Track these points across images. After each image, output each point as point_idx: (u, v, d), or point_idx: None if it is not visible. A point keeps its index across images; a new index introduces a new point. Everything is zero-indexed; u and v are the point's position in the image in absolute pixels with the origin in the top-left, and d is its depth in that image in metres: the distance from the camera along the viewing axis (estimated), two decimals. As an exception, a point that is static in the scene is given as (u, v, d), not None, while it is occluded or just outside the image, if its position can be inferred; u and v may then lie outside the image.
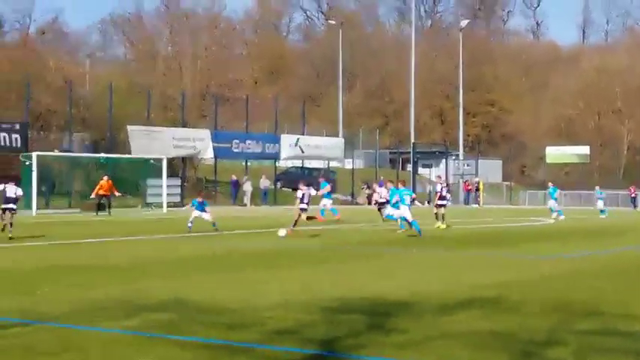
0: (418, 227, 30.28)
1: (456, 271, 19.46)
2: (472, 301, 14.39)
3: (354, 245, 26.86)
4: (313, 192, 32.54)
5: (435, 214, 36.69)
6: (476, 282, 17.02)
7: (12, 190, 28.85)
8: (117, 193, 46.64)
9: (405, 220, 31.14)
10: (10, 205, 28.37)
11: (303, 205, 30.42)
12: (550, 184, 49.89)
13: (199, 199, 31.88)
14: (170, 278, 17.50)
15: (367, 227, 36.76)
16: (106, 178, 46.85)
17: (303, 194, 30.67)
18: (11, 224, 27.95)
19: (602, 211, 51.30)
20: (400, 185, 32.74)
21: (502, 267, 20.55)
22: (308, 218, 30.81)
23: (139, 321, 12.24)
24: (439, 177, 40.45)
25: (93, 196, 46.57)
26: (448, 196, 39.36)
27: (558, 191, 50.28)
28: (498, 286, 16.25)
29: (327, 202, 40.64)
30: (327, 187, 40.55)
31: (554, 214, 46.26)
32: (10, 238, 27.05)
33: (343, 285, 16.47)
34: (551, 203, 48.13)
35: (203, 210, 31.41)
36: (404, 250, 24.74)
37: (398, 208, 31.20)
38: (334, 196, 69.06)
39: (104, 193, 46.12)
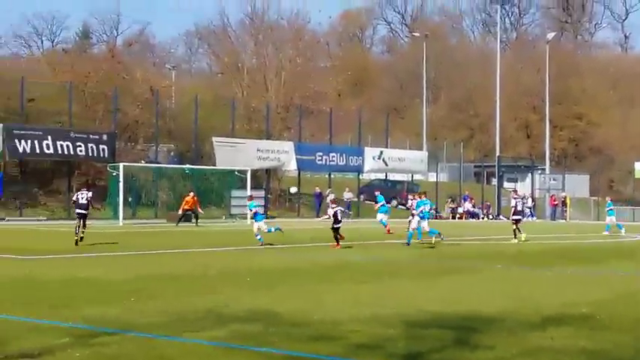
0: (410, 238, 31.74)
1: (543, 287, 19.09)
2: (561, 318, 14.07)
3: (437, 259, 26.55)
4: (342, 208, 32.26)
5: (514, 230, 36.04)
6: (565, 299, 16.65)
7: (84, 196, 29.67)
8: (200, 211, 46.89)
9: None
10: (83, 211, 29.19)
11: (337, 225, 29.94)
12: (608, 198, 48.84)
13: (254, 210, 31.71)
14: (255, 289, 17.47)
15: (451, 242, 36.36)
16: (192, 194, 47.25)
17: (335, 212, 30.25)
18: (84, 226, 29.02)
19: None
20: (421, 197, 33.28)
21: (591, 284, 20.12)
22: (335, 234, 30.05)
23: (224, 332, 12.21)
24: (515, 191, 39.88)
25: (180, 212, 46.97)
26: (527, 210, 38.96)
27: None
28: (588, 304, 15.86)
29: (382, 217, 40.54)
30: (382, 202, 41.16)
31: (622, 230, 45.04)
32: (81, 239, 28.42)
33: (427, 299, 16.26)
34: (611, 219, 46.47)
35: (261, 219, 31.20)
36: (488, 266, 24.38)
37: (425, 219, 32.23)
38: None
39: (189, 208, 46.49)
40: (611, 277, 21.91)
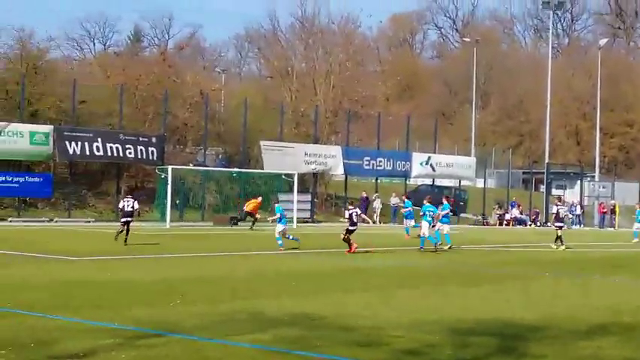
0: (422, 243, 31.69)
1: (591, 295, 18.95)
2: (608, 327, 13.95)
3: (483, 266, 26.41)
4: (358, 211, 31.54)
5: (558, 237, 35.59)
6: (612, 307, 16.51)
7: (129, 203, 30.62)
8: (257, 216, 46.50)
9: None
10: (128, 219, 30.20)
11: (353, 227, 29.65)
12: (637, 206, 48.07)
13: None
14: (298, 294, 17.51)
15: (498, 248, 36.13)
16: (260, 198, 47.14)
17: (351, 214, 30.00)
18: (127, 233, 29.83)
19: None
20: (426, 202, 33.43)
21: (638, 293, 19.89)
22: (345, 240, 29.42)
23: (267, 335, 12.26)
24: (559, 198, 39.54)
25: (240, 212, 46.85)
26: (571, 218, 38.67)
27: None
28: (635, 313, 15.70)
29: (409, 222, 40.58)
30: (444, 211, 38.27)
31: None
32: (126, 244, 29.09)
33: (472, 306, 16.19)
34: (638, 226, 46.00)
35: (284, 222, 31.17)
36: (534, 273, 24.20)
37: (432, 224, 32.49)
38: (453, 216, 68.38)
39: (250, 211, 46.17)
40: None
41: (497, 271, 24.73)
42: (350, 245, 29.19)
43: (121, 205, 31.31)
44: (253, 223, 45.48)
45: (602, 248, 38.76)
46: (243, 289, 17.95)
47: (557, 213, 36.15)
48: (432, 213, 32.60)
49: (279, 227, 30.61)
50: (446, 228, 34.21)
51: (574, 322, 14.43)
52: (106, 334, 11.97)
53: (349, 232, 29.51)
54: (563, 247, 34.93)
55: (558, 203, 37.48)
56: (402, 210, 42.34)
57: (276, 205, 32.67)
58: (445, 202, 36.05)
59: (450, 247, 33.01)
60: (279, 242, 30.14)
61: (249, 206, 46.63)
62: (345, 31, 73.26)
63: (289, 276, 21.08)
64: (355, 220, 29.92)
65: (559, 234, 35.55)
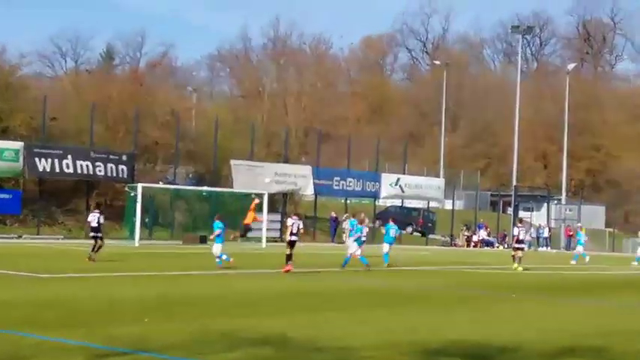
0: (346, 261, 31.59)
1: (557, 317, 19.17)
2: (574, 350, 14.17)
3: (451, 287, 26.62)
4: (302, 225, 30.31)
5: (512, 256, 36.83)
6: (578, 330, 16.75)
7: (95, 218, 30.98)
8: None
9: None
10: (93, 233, 30.72)
11: (293, 237, 28.51)
12: (579, 227, 50.26)
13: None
14: (270, 313, 17.61)
15: (467, 269, 36.41)
16: (256, 200, 46.47)
17: (293, 223, 28.93)
18: (98, 249, 30.14)
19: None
20: (390, 222, 34.62)
21: (604, 315, 20.18)
22: (289, 256, 28.21)
23: (239, 354, 12.39)
24: (519, 220, 40.40)
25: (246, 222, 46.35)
26: (529, 239, 39.59)
27: None
28: (600, 335, 15.95)
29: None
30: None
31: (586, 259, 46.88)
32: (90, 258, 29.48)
33: (441, 327, 16.36)
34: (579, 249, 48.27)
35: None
36: (504, 294, 24.45)
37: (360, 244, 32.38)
38: (432, 236, 68.75)
39: (249, 222, 45.39)
40: (623, 309, 21.96)
41: (466, 292, 24.96)
42: (287, 261, 28.09)
43: (89, 219, 31.82)
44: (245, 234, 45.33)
45: (569, 271, 39.11)
46: (214, 308, 18.04)
47: (518, 235, 37.01)
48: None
49: (217, 246, 29.88)
50: (386, 247, 35.46)
51: (543, 344, 14.64)
52: (79, 352, 12.04)
53: (290, 243, 28.38)
54: (520, 269, 35.56)
55: (519, 225, 38.28)
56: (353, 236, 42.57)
57: (217, 221, 31.36)
58: (391, 222, 37.44)
59: (387, 265, 34.04)
60: (219, 260, 29.62)
61: (249, 219, 45.94)
62: (317, 53, 73.81)
63: (260, 295, 21.19)
64: (296, 231, 28.79)
65: (519, 255, 36.34)
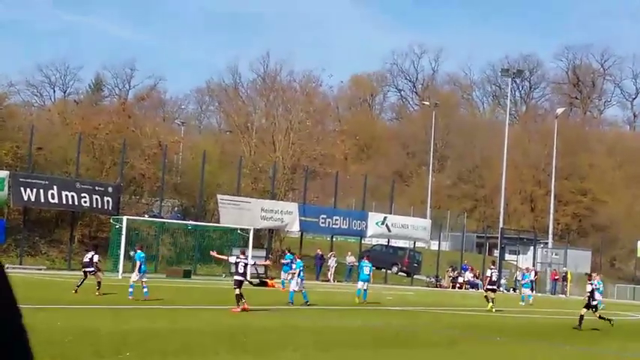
0: (291, 297, 31.40)
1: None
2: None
3: (436, 328, 26.41)
4: (252, 261, 29.35)
5: (485, 296, 37.85)
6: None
7: (89, 255, 32.37)
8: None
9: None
10: (85, 269, 31.89)
11: (238, 277, 27.39)
12: (525, 269, 51.62)
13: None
14: (254, 352, 17.38)
15: (452, 311, 36.23)
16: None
17: (237, 263, 27.97)
18: (98, 284, 30.80)
19: None
20: (365, 259, 35.07)
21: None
22: (238, 296, 26.94)
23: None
24: (492, 262, 41.20)
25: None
26: (503, 281, 40.42)
27: None
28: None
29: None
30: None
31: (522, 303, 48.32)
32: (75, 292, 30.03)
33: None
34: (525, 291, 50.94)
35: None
36: (488, 337, 24.26)
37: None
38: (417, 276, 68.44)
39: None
40: (606, 356, 21.79)
41: (449, 333, 24.75)
42: (238, 302, 26.89)
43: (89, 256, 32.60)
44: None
45: (554, 315, 38.98)
46: (194, 343, 17.81)
47: (490, 276, 38.09)
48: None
49: (135, 276, 29.76)
50: (360, 284, 36.94)
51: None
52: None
53: (238, 283, 27.16)
54: (490, 308, 36.40)
55: (492, 267, 39.10)
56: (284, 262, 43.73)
57: (138, 251, 30.97)
58: (365, 260, 38.18)
59: (363, 302, 35.47)
60: (131, 291, 29.45)
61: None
62: (306, 90, 73.77)
63: (245, 331, 20.95)
64: (241, 270, 27.58)
65: (492, 296, 37.25)
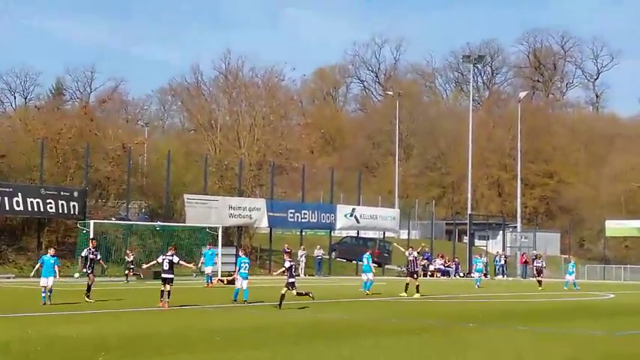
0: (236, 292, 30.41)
1: (518, 346, 18.98)
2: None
3: (408, 317, 26.37)
4: (176, 259, 28.34)
5: (407, 284, 37.37)
6: (534, 358, 16.56)
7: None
8: None
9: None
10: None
11: (167, 276, 27.55)
12: (572, 259, 52.28)
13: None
14: (227, 349, 17.26)
15: (425, 300, 36.23)
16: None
17: (163, 260, 28.02)
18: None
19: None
20: (241, 253, 32.66)
21: (560, 342, 20.01)
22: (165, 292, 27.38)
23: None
24: (411, 248, 39.46)
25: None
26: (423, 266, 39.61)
27: None
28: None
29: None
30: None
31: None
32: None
33: (399, 358, 16.09)
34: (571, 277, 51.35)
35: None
36: (462, 323, 24.25)
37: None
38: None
39: None
40: (581, 336, 21.84)
41: (422, 322, 24.72)
42: (162, 296, 27.41)
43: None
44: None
45: (524, 299, 39.09)
46: (167, 345, 17.65)
47: (413, 260, 37.55)
48: (246, 265, 30.94)
49: (44, 280, 27.88)
50: (365, 276, 38.36)
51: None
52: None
53: (165, 281, 27.41)
54: (404, 294, 36.56)
55: (409, 250, 38.20)
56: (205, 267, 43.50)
57: (44, 255, 29.64)
58: (368, 252, 39.69)
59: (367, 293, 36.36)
60: (44, 296, 27.70)
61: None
62: (269, 85, 73.54)
63: (213, 331, 20.80)
64: (167, 267, 27.69)
65: (414, 282, 36.79)
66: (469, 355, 17.15)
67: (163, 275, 27.74)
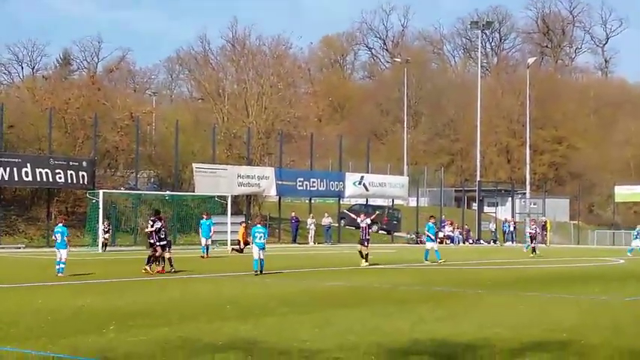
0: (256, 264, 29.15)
1: (524, 312, 19.02)
2: (541, 345, 13.99)
3: (416, 285, 26.40)
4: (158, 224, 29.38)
5: (359, 251, 35.28)
6: (546, 325, 16.58)
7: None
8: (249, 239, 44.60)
9: None
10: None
11: (162, 243, 29.28)
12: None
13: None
14: (233, 317, 17.30)
15: (435, 267, 36.26)
16: (243, 224, 45.94)
17: (152, 229, 29.20)
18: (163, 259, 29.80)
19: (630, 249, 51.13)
20: (257, 222, 32.13)
21: (572, 309, 20.02)
22: (158, 257, 29.04)
23: (202, 361, 12.08)
24: (363, 215, 38.17)
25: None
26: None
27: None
28: (568, 330, 15.79)
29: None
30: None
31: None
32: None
33: (406, 326, 16.12)
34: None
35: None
36: (471, 291, 24.28)
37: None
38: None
39: (245, 239, 43.96)
40: (590, 302, 21.86)
41: (431, 289, 24.76)
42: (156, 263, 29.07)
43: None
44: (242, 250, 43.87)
45: (535, 265, 39.09)
46: (176, 314, 17.69)
47: (365, 227, 35.84)
48: (261, 234, 30.32)
49: (60, 252, 27.82)
50: (429, 245, 38.90)
51: (511, 340, 14.44)
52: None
53: (161, 247, 29.02)
54: (362, 264, 34.46)
55: (361, 217, 36.78)
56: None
57: (59, 224, 29.36)
58: (431, 221, 40.41)
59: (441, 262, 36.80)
60: (59, 268, 27.49)
61: (240, 235, 45.02)
62: (276, 53, 73.27)
63: (223, 299, 20.86)
64: (163, 235, 29.36)
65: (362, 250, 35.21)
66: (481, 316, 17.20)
67: (159, 243, 28.99)
